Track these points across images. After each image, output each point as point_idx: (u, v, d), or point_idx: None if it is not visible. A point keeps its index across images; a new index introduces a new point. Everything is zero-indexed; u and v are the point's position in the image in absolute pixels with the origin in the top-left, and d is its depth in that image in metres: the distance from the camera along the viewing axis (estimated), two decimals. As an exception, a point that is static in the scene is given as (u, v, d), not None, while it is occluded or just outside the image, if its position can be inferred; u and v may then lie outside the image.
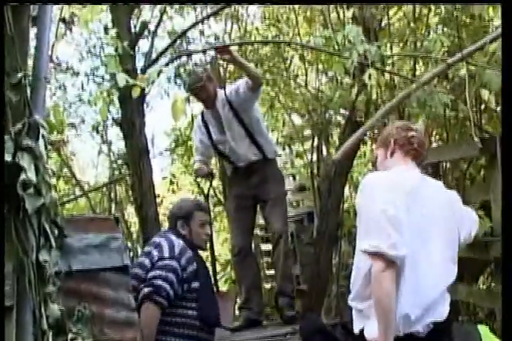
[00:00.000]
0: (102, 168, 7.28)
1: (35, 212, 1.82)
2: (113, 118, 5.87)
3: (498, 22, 3.76)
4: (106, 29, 4.96)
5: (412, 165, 2.32)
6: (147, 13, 5.75)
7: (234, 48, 4.15)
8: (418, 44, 4.24)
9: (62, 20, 5.09)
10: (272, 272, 5.04)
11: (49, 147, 1.98)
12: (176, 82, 5.91)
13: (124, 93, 4.05)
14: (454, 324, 2.26)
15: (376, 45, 3.34)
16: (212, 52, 4.94)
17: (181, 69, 5.83)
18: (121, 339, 2.27)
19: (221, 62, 5.50)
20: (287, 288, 3.96)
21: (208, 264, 3.94)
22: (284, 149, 6.44)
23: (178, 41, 5.47)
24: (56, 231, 1.99)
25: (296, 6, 5.50)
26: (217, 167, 5.81)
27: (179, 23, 6.17)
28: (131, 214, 6.87)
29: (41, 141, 1.85)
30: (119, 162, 6.63)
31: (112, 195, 6.61)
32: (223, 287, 6.37)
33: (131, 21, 4.93)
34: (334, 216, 4.31)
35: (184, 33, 5.19)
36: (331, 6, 4.72)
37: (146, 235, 4.55)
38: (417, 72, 4.25)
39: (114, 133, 6.57)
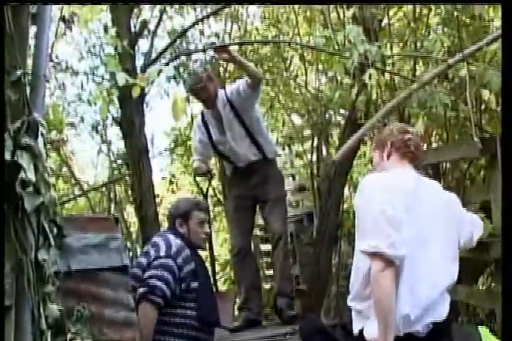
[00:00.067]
0: (102, 167, 7.30)
1: (34, 210, 1.81)
2: (113, 118, 5.87)
3: (498, 22, 3.76)
4: (106, 28, 4.94)
5: (409, 168, 2.32)
6: (147, 12, 5.76)
7: (234, 48, 4.15)
8: (418, 44, 4.24)
9: (62, 19, 5.09)
10: (271, 272, 5.03)
11: (48, 146, 1.98)
12: (176, 82, 5.90)
13: (124, 92, 4.05)
14: (454, 324, 2.26)
15: (376, 45, 3.34)
16: (212, 52, 4.94)
17: (181, 69, 5.83)
18: (121, 339, 2.27)
19: (221, 62, 5.49)
20: (286, 288, 3.95)
21: (208, 264, 3.93)
22: (283, 149, 6.43)
23: (178, 41, 5.47)
24: (55, 230, 1.98)
25: (296, 6, 5.50)
26: (216, 167, 5.80)
27: (179, 22, 6.19)
28: (130, 214, 6.89)
29: (40, 140, 1.85)
30: (119, 162, 6.64)
31: (112, 194, 6.62)
32: (222, 287, 6.36)
33: (131, 21, 4.94)
34: (334, 216, 4.31)
35: (184, 32, 5.20)
36: (331, 6, 4.71)
37: (145, 235, 4.55)
38: (417, 72, 4.25)
39: (114, 133, 6.59)
